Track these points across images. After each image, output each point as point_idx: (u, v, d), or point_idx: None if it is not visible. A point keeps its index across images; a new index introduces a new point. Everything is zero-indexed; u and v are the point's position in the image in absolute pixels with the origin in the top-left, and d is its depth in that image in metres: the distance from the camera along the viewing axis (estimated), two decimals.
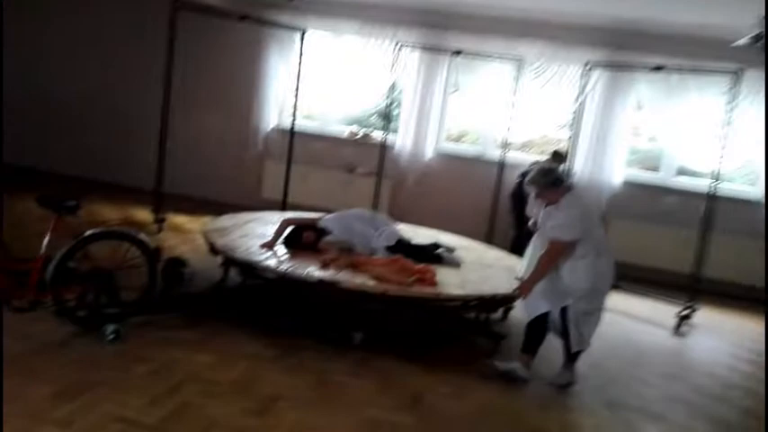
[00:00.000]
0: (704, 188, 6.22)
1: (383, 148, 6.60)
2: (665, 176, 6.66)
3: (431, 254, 4.32)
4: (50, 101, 7.51)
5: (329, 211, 6.55)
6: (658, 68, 5.46)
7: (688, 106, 6.20)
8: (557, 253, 3.39)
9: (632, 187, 6.58)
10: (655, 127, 6.72)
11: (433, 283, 3.73)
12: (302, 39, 6.37)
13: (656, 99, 6.35)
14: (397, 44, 6.42)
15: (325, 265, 3.73)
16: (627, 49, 6.20)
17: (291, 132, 6.52)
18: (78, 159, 7.47)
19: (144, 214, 6.04)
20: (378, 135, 7.19)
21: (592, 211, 3.60)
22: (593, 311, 3.47)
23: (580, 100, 6.39)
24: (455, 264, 4.32)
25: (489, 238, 6.23)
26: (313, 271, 3.64)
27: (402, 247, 4.19)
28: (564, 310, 3.45)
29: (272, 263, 3.71)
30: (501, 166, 6.46)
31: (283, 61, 7.09)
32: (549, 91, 6.49)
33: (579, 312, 3.42)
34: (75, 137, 7.55)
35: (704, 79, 6.03)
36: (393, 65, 6.46)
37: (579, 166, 6.59)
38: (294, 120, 6.56)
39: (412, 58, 6.78)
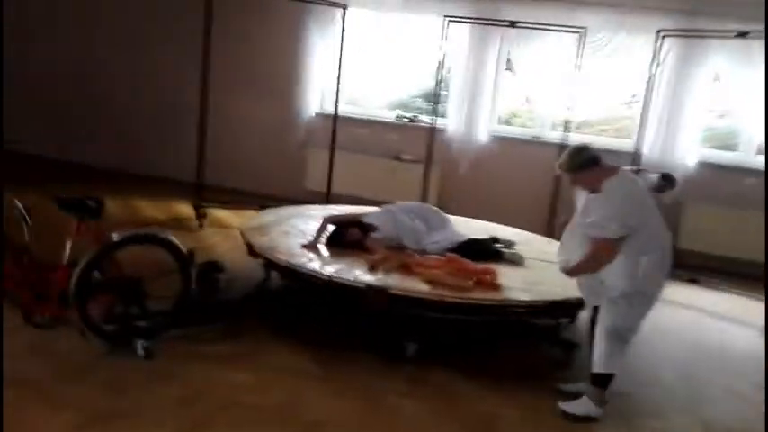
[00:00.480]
0: None
1: (432, 132, 6.14)
2: (744, 156, 5.98)
3: (489, 250, 3.89)
4: (90, 92, 7.37)
5: (375, 202, 6.27)
6: (742, 35, 4.77)
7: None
8: (600, 254, 2.78)
9: (708, 168, 5.91)
10: (733, 102, 6.01)
11: (496, 287, 3.30)
12: (343, 17, 5.94)
13: (734, 71, 5.65)
14: (444, 19, 5.90)
15: (372, 268, 3.35)
16: (701, 14, 5.51)
17: (335, 118, 6.14)
18: (119, 152, 7.31)
19: (185, 209, 5.80)
20: (425, 119, 6.75)
21: (642, 197, 2.86)
22: (631, 322, 2.82)
23: (650, 73, 5.77)
24: (517, 261, 3.87)
25: (551, 231, 5.71)
26: (361, 275, 3.26)
27: (457, 245, 3.76)
28: (595, 314, 2.94)
29: (315, 266, 3.36)
30: (562, 148, 5.88)
31: (324, 42, 6.68)
32: (615, 64, 5.88)
33: (612, 319, 2.80)
34: (115, 129, 7.39)
35: None
36: (441, 42, 5.96)
37: (648, 146, 5.98)
38: (337, 104, 6.17)
39: (461, 34, 6.26)
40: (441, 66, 6.02)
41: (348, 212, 4.07)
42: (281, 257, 3.44)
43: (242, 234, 3.87)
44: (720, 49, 5.59)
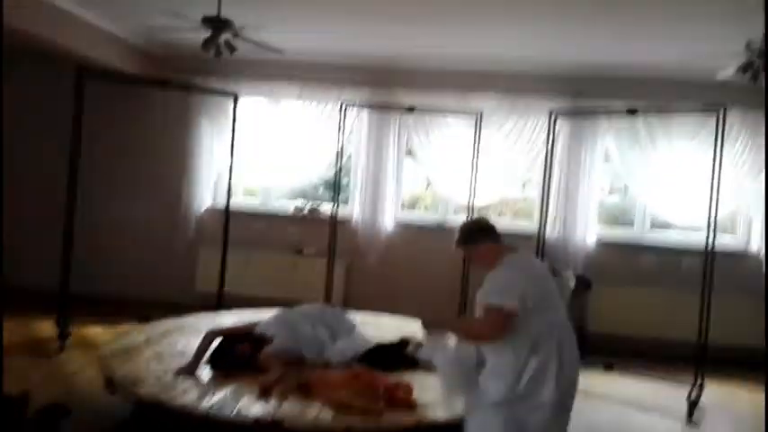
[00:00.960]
0: (680, 242, 5.84)
1: (334, 223, 5.75)
2: (639, 233, 6.07)
3: (401, 356, 3.42)
4: None
5: (275, 302, 5.68)
6: (632, 112, 4.88)
7: (658, 154, 5.68)
8: (489, 326, 2.35)
9: (607, 247, 5.93)
10: (623, 178, 6.16)
11: (411, 404, 2.82)
12: (235, 105, 5.56)
13: (622, 148, 5.82)
14: (342, 105, 5.69)
15: (264, 393, 2.77)
16: (590, 95, 5.70)
17: (227, 212, 5.61)
18: None
19: (48, 327, 4.91)
20: (327, 209, 6.38)
21: (541, 278, 2.50)
22: None
23: (544, 153, 5.81)
24: (434, 366, 3.42)
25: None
26: (247, 406, 2.67)
27: (365, 353, 3.27)
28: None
29: (189, 398, 2.72)
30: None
31: (215, 132, 6.26)
32: (511, 146, 5.88)
33: None
34: None
35: (677, 123, 5.57)
36: (340, 128, 5.72)
37: (549, 228, 5.93)
38: (230, 197, 5.67)
39: (360, 120, 6.09)
40: (341, 153, 5.73)
41: (237, 323, 3.48)
42: (147, 391, 2.78)
43: (100, 362, 3.16)
44: (608, 128, 5.76)
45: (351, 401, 2.71)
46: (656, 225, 6.04)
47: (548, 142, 5.27)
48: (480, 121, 5.45)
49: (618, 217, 6.33)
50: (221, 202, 6.43)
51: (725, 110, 4.37)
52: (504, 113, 5.84)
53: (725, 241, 5.67)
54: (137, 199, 6.26)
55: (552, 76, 5.75)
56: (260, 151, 6.23)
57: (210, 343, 3.18)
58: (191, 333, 3.71)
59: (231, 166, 5.63)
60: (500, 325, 2.32)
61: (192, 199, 6.34)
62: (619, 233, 6.12)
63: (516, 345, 2.35)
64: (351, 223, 6.11)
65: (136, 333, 3.68)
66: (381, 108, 5.91)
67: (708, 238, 4.28)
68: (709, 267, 4.28)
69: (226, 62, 5.74)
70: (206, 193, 6.40)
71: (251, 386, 2.86)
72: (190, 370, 3.00)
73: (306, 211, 6.35)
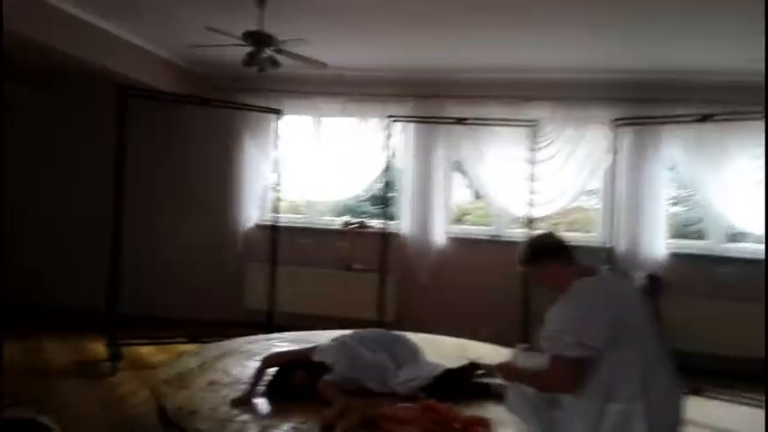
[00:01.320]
0: (757, 252, 5.43)
1: (384, 237, 5.53)
2: (713, 244, 5.65)
3: (471, 384, 3.15)
4: None
5: (326, 319, 5.51)
6: (705, 118, 4.51)
7: (728, 162, 5.27)
8: (556, 378, 2.04)
9: (679, 259, 5.52)
10: (691, 189, 5.76)
11: None
12: (278, 122, 5.43)
13: (690, 158, 5.41)
14: (389, 119, 5.50)
15: (327, 430, 2.55)
16: (654, 102, 5.35)
17: (274, 228, 5.45)
18: (29, 285, 6.31)
19: (98, 348, 4.83)
20: (375, 223, 6.19)
21: (618, 307, 2.07)
22: None
23: (607, 163, 5.48)
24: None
25: (529, 339, 5.05)
26: None
27: (433, 381, 3.02)
28: None
29: None
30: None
31: (259, 149, 6.15)
32: (568, 156, 5.56)
33: None
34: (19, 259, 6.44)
35: (748, 129, 5.16)
36: (386, 143, 5.53)
37: (615, 241, 5.58)
38: (277, 213, 5.51)
39: (407, 133, 5.88)
40: (388, 167, 5.52)
41: (293, 349, 3.27)
42: (204, 423, 2.59)
43: (152, 391, 3.00)
44: (673, 137, 5.40)
45: None
46: (732, 236, 5.64)
47: (613, 150, 4.94)
48: (536, 131, 5.15)
49: (687, 229, 5.92)
50: (268, 219, 6.33)
51: None
52: (560, 123, 5.55)
53: None
54: (183, 217, 6.19)
55: (609, 83, 5.45)
56: (305, 167, 6.09)
57: (265, 370, 2.99)
58: (245, 357, 3.54)
59: (278, 182, 5.47)
60: (569, 377, 1.99)
61: (239, 216, 6.23)
62: (691, 245, 5.72)
63: (586, 392, 2.00)
64: (400, 238, 5.88)
65: (188, 357, 3.52)
66: (429, 121, 5.67)
67: None
68: None
69: (268, 78, 5.70)
70: (252, 210, 6.29)
71: (312, 419, 2.64)
72: (245, 400, 2.81)
73: (354, 227, 6.16)
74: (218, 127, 6.15)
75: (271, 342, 3.99)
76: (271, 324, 5.30)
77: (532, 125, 5.18)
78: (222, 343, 3.96)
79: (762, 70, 3.71)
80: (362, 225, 6.18)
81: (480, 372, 3.46)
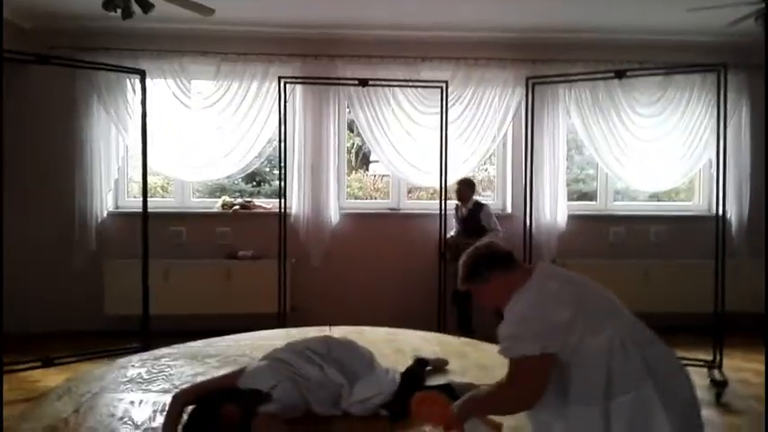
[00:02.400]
0: (646, 210, 5.62)
1: (279, 217, 4.78)
2: (603, 204, 5.73)
3: (431, 387, 2.65)
4: None
5: (209, 318, 4.70)
6: (620, 74, 4.36)
7: (621, 121, 5.31)
8: (522, 385, 1.70)
9: (576, 221, 5.50)
10: (588, 146, 5.76)
11: None
12: (143, 86, 4.38)
13: (590, 116, 5.33)
14: (280, 81, 4.71)
15: None
16: (558, 61, 5.20)
17: (144, 214, 4.40)
18: None
19: None
20: (258, 203, 5.43)
21: (580, 286, 1.82)
22: None
23: (505, 127, 5.26)
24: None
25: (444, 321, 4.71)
26: None
27: (395, 396, 2.46)
28: None
29: None
30: (441, 217, 4.91)
31: (117, 120, 5.02)
32: (472, 120, 5.24)
33: None
34: None
35: (638, 87, 5.23)
36: (277, 108, 4.77)
37: (514, 207, 5.43)
38: (141, 198, 4.47)
39: (294, 99, 5.15)
40: (282, 136, 4.73)
41: (212, 378, 2.48)
42: None
43: None
44: (570, 96, 5.31)
45: None
46: (621, 195, 5.76)
47: (526, 111, 4.67)
48: (446, 93, 4.71)
49: (583, 189, 5.95)
50: (126, 206, 5.27)
51: (725, 68, 4.00)
52: (463, 84, 5.19)
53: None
54: (21, 207, 4.87)
55: (510, 42, 5.20)
56: (173, 141, 5.10)
57: (180, 412, 2.21)
58: (135, 387, 2.69)
59: (144, 159, 4.43)
60: (538, 380, 1.66)
61: (89, 204, 5.08)
62: (584, 205, 5.74)
63: (582, 400, 1.67)
64: (291, 217, 5.18)
65: (53, 400, 2.57)
66: (327, 82, 4.99)
67: (718, 203, 3.96)
68: (721, 234, 3.97)
69: (126, 36, 4.66)
70: (105, 196, 5.16)
71: None
72: None
73: (236, 208, 5.33)
74: (64, 94, 4.93)
75: (161, 362, 3.14)
76: (146, 332, 4.36)
77: (438, 86, 4.72)
78: (94, 370, 3.03)
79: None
80: (245, 206, 5.38)
81: (428, 368, 3.02)
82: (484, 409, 1.85)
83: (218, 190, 5.70)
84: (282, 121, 4.66)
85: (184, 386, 2.46)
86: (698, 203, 5.76)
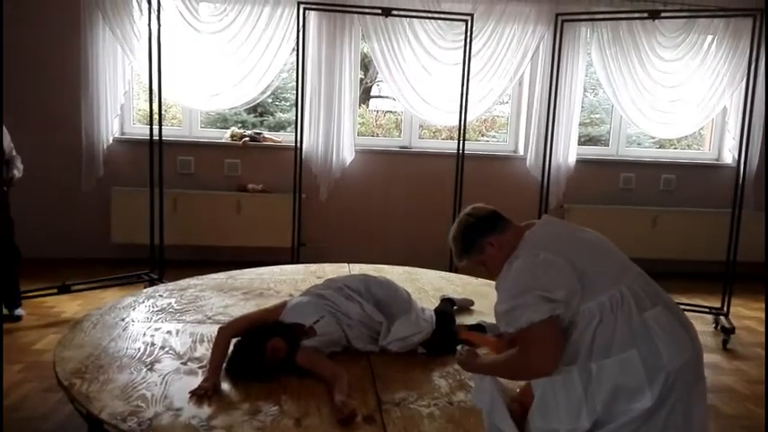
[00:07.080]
0: (657, 157, 5.61)
1: (296, 151, 4.67)
2: (615, 149, 5.70)
3: (462, 326, 2.70)
4: None
5: (219, 249, 4.70)
6: (654, 14, 4.22)
7: (641, 64, 5.20)
8: (531, 354, 1.57)
9: (587, 166, 5.49)
10: (606, 88, 5.65)
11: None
12: (150, 7, 4.15)
13: (610, 57, 5.20)
14: (299, 6, 4.47)
15: (349, 419, 1.91)
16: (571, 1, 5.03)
17: (152, 143, 4.28)
18: None
19: None
20: (271, 136, 5.33)
21: (570, 249, 1.67)
22: None
23: (524, 65, 5.14)
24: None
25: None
26: None
27: (433, 333, 2.50)
28: None
29: None
30: (460, 157, 4.80)
31: (121, 40, 4.80)
32: (491, 57, 5.11)
33: None
34: None
35: (660, 31, 5.11)
36: (286, 37, 4.57)
37: (527, 149, 5.39)
38: (152, 124, 4.32)
39: (309, 27, 4.93)
40: (301, 67, 4.54)
41: (254, 313, 2.48)
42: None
43: (64, 386, 2.07)
44: (591, 38, 5.17)
45: None
46: (629, 142, 5.73)
47: (553, 49, 4.55)
48: (471, 27, 4.55)
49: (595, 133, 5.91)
50: (132, 132, 5.14)
51: (764, 13, 3.90)
52: (484, 19, 5.00)
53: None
54: (23, 133, 4.70)
55: None
56: (183, 66, 4.91)
57: (226, 345, 2.22)
58: (165, 317, 2.71)
59: (152, 84, 4.25)
60: (548, 348, 1.55)
61: (95, 128, 4.94)
62: (595, 150, 5.72)
63: (565, 355, 1.58)
64: (303, 152, 5.08)
65: (91, 327, 2.56)
66: (348, 10, 4.76)
67: (740, 153, 3.97)
68: (740, 183, 4.00)
69: None
70: (112, 121, 5.01)
71: (321, 408, 1.99)
72: (210, 388, 2.03)
73: (247, 140, 5.22)
74: (68, 13, 4.69)
75: (188, 293, 3.14)
76: (162, 260, 4.35)
77: (464, 19, 4.55)
78: (122, 299, 3.02)
79: None
80: (254, 138, 5.26)
81: (455, 308, 3.06)
82: (491, 369, 1.76)
83: (219, 120, 5.55)
84: (301, 49, 4.48)
85: (228, 320, 2.46)
86: (707, 152, 5.77)
